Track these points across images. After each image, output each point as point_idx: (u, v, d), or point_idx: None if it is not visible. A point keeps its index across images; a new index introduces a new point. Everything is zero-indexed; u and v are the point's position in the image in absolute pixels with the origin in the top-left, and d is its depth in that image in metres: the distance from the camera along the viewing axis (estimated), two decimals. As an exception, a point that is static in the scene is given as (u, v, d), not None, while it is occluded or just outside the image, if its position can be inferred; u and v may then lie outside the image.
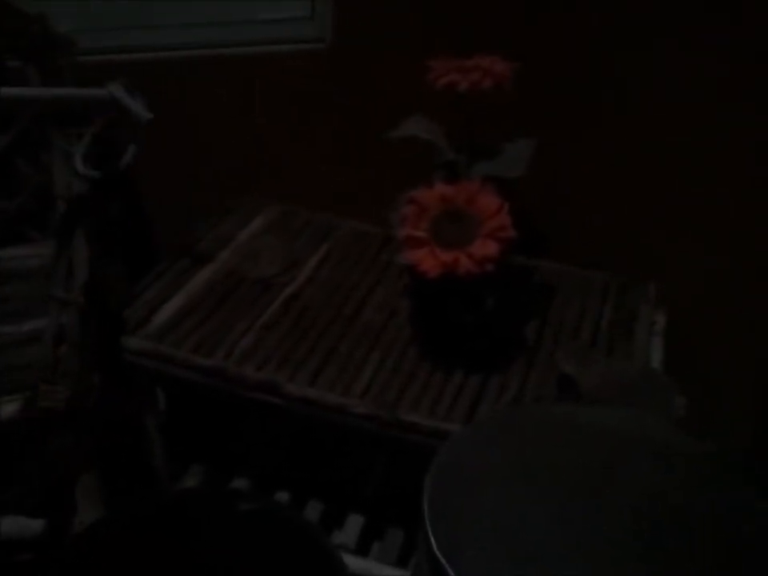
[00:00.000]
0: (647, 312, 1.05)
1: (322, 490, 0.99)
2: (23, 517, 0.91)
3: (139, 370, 0.95)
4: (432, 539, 0.61)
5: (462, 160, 0.92)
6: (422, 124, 0.94)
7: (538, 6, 1.07)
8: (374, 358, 0.95)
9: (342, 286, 1.07)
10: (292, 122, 1.19)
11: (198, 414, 1.03)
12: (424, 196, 0.87)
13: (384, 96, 1.13)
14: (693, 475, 0.69)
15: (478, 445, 0.71)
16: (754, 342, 1.12)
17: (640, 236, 1.14)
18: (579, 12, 1.07)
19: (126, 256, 1.04)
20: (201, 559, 0.77)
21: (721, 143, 1.07)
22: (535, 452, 0.71)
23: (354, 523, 0.97)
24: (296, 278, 1.07)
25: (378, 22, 1.11)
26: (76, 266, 0.90)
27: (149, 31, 1.18)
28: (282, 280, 1.06)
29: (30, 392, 0.87)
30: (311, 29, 1.16)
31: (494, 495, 0.66)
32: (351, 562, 0.89)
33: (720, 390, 1.14)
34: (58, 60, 1.04)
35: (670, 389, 0.87)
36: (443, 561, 0.59)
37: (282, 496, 0.99)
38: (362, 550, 0.96)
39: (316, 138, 1.20)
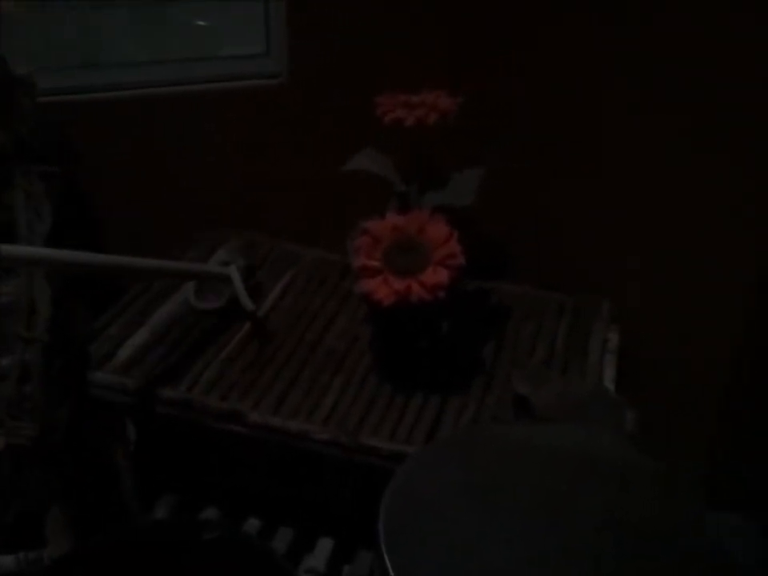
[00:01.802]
0: (601, 330, 1.07)
1: (292, 516, 1.01)
2: (-7, 553, 0.92)
3: (106, 403, 0.96)
4: (387, 560, 0.63)
5: (413, 191, 0.94)
6: (372, 158, 0.97)
7: (484, 43, 1.10)
8: (336, 383, 0.97)
9: (305, 313, 1.09)
10: (252, 154, 1.22)
11: (167, 445, 1.04)
12: (377, 227, 0.89)
13: (337, 129, 1.16)
14: (645, 492, 0.72)
15: (434, 466, 0.74)
16: (706, 358, 1.15)
17: (593, 257, 1.17)
18: (531, 47, 1.11)
19: (88, 291, 1.05)
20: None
21: (670, 169, 1.10)
22: (490, 472, 0.73)
23: (324, 547, 0.99)
24: (259, 306, 1.09)
25: (331, 59, 1.14)
26: (38, 303, 0.92)
27: (109, 70, 1.20)
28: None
29: (-2, 429, 0.88)
30: (267, 65, 1.19)
31: (450, 515, 0.68)
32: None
33: (673, 405, 1.17)
34: (18, 100, 1.06)
35: (621, 406, 0.90)
36: (398, 581, 0.61)
37: (253, 523, 1.00)
38: (332, 573, 0.97)
39: (276, 170, 1.22)
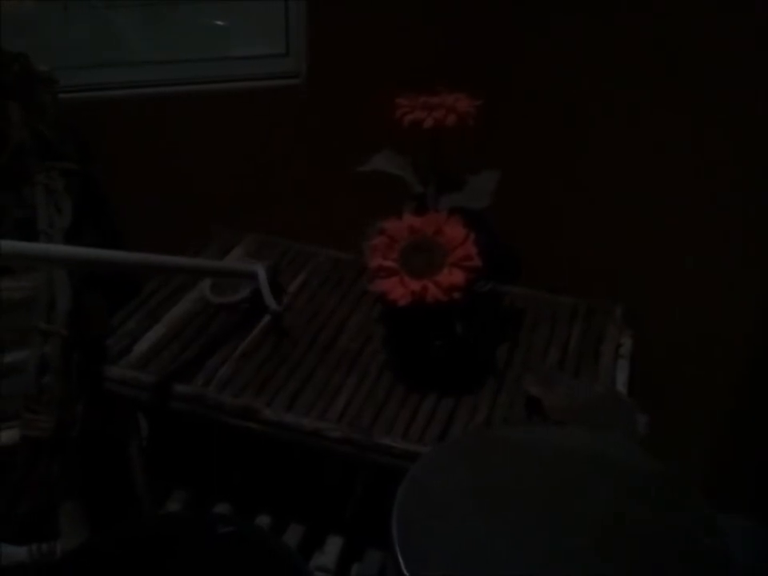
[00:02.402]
0: (613, 335, 1.08)
1: (303, 513, 1.02)
2: (7, 543, 0.92)
3: (121, 398, 0.98)
4: (400, 558, 0.64)
5: (430, 192, 0.95)
6: (390, 158, 0.98)
7: (506, 47, 1.11)
8: (349, 382, 0.98)
9: (320, 313, 1.10)
10: (269, 154, 1.23)
11: (180, 441, 1.05)
12: (393, 227, 0.90)
13: (356, 129, 1.16)
14: (654, 495, 0.72)
15: (446, 466, 0.74)
16: (718, 363, 1.15)
17: (607, 261, 1.17)
18: (546, 51, 1.11)
19: (106, 286, 1.06)
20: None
21: (684, 169, 1.10)
22: (501, 473, 0.74)
23: (334, 545, 1.00)
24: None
25: (350, 59, 1.15)
26: (58, 297, 0.92)
27: (128, 68, 1.21)
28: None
29: (14, 422, 0.89)
30: (286, 65, 1.20)
31: (462, 515, 0.69)
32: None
33: (684, 410, 1.17)
34: (39, 97, 1.07)
35: (632, 409, 0.90)
36: (411, 579, 0.62)
37: (263, 519, 1.01)
38: (341, 571, 0.98)
39: (292, 170, 1.23)
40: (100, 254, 0.85)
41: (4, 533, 0.93)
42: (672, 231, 1.13)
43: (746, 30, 0.99)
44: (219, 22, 1.32)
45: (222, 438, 1.00)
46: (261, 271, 1.07)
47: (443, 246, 0.87)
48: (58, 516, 0.94)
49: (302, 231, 1.23)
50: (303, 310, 1.10)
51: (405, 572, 0.63)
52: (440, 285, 0.85)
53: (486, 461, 0.76)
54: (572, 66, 1.10)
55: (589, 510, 0.70)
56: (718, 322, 1.13)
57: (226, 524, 0.83)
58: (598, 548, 0.66)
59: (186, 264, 1.01)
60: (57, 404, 0.90)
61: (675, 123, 1.07)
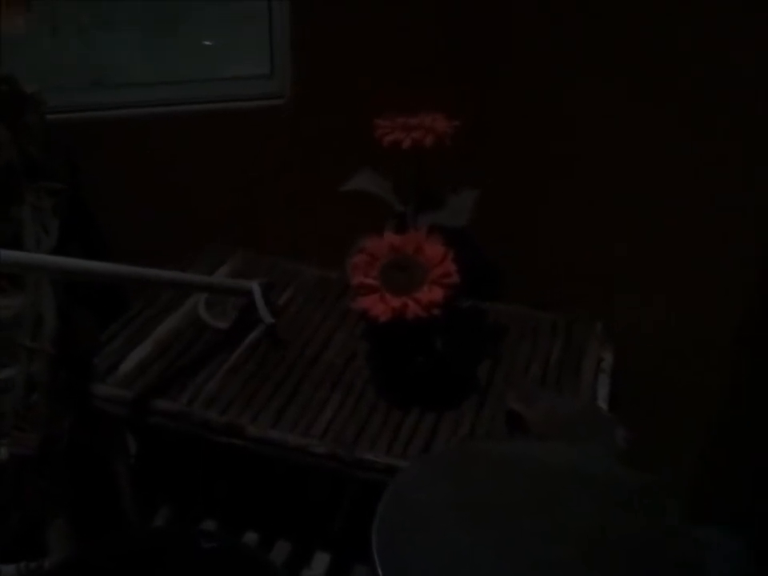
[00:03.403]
0: (594, 350, 1.09)
1: (290, 529, 1.02)
2: (-5, 561, 0.93)
3: (108, 415, 0.98)
4: (380, 571, 0.65)
5: (410, 211, 0.97)
6: (370, 178, 0.99)
7: (483, 67, 1.13)
8: (334, 398, 0.99)
9: (305, 329, 1.11)
10: (254, 173, 1.24)
11: (167, 457, 1.06)
12: (374, 245, 0.91)
13: (337, 149, 1.18)
14: (633, 507, 0.73)
15: (427, 479, 0.75)
16: (697, 376, 1.17)
17: (587, 277, 1.19)
18: (524, 62, 1.13)
19: (94, 304, 1.07)
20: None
21: (664, 189, 1.12)
22: (482, 486, 0.75)
23: (321, 561, 1.00)
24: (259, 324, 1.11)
25: (333, 81, 1.17)
26: (45, 315, 0.93)
27: (115, 90, 1.23)
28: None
29: (2, 439, 0.89)
30: (271, 86, 1.22)
31: (443, 527, 0.70)
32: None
33: (665, 423, 1.18)
34: (27, 118, 1.08)
35: (612, 424, 0.91)
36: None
37: (251, 536, 1.02)
38: (328, 586, 0.99)
39: (277, 189, 1.24)
40: (98, 266, 0.86)
41: (-8, 550, 0.94)
42: (652, 248, 1.15)
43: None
44: (208, 42, 1.34)
45: (208, 455, 1.01)
46: (256, 287, 1.09)
47: (423, 264, 0.89)
48: (46, 532, 0.94)
49: (288, 249, 1.25)
50: (288, 327, 1.11)
51: (384, 584, 0.64)
52: (420, 302, 0.87)
53: (468, 474, 0.77)
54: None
55: (569, 522, 0.71)
56: (699, 335, 1.14)
57: (211, 539, 0.84)
58: (577, 559, 0.67)
59: (183, 279, 1.02)
60: (44, 421, 0.91)
61: (664, 148, 1.09)
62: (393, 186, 0.98)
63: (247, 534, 1.02)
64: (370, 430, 0.95)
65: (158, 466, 1.07)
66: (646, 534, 0.70)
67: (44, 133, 1.10)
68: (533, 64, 1.12)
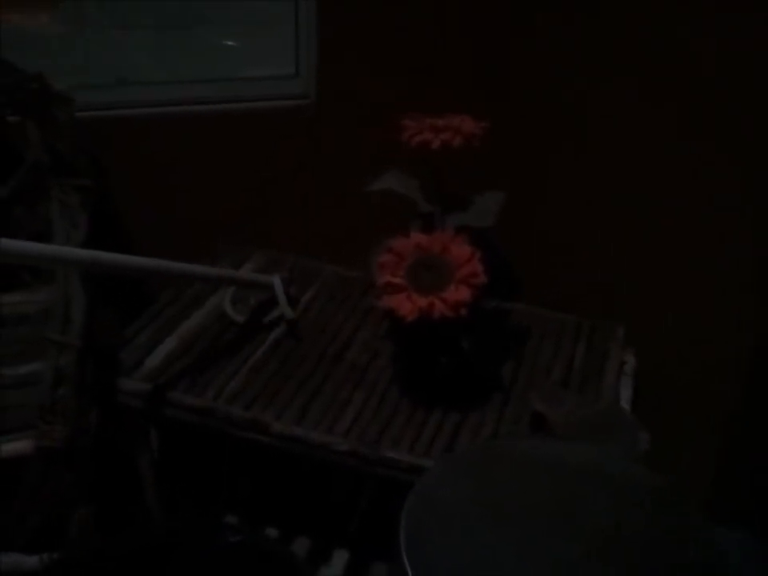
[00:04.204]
0: (617, 353, 1.09)
1: (309, 526, 1.03)
2: (18, 553, 0.94)
3: (133, 410, 0.99)
4: (408, 568, 0.65)
5: (436, 211, 0.97)
6: (397, 178, 1.00)
7: (505, 71, 1.13)
8: (357, 397, 1.00)
9: (327, 327, 1.12)
10: (278, 172, 1.25)
11: (190, 453, 1.06)
12: (401, 245, 0.92)
13: (363, 149, 1.19)
14: (654, 509, 0.73)
15: (452, 478, 0.76)
16: (719, 380, 1.17)
17: (611, 280, 1.19)
18: (541, 68, 1.13)
19: (118, 300, 1.08)
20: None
21: (685, 190, 1.12)
22: (505, 486, 0.75)
23: (340, 558, 1.01)
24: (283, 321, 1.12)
25: (359, 81, 1.17)
26: (73, 310, 0.94)
27: (142, 88, 1.24)
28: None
29: (29, 432, 0.90)
30: (296, 86, 1.23)
31: (467, 525, 0.70)
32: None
33: (687, 426, 1.18)
34: (56, 116, 1.09)
35: (634, 426, 0.91)
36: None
37: (271, 532, 1.02)
38: (348, 584, 0.99)
39: (301, 188, 1.25)
40: (125, 259, 0.87)
41: (16, 541, 0.94)
42: (675, 251, 1.15)
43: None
44: (230, 42, 1.35)
45: (230, 451, 1.01)
46: (277, 281, 1.10)
47: (450, 264, 0.89)
48: (69, 526, 0.95)
49: (310, 248, 1.25)
50: (312, 325, 1.12)
51: (412, 578, 0.64)
52: (447, 301, 0.87)
53: (491, 474, 0.77)
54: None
55: (590, 523, 0.71)
56: (720, 338, 1.15)
57: (235, 533, 0.84)
58: (598, 559, 0.68)
59: (205, 273, 1.03)
60: (71, 415, 0.91)
61: (685, 148, 1.09)
62: (420, 187, 0.99)
63: (267, 530, 1.03)
64: (393, 428, 0.95)
65: (180, 462, 1.08)
66: (667, 535, 0.71)
67: (72, 130, 1.11)
68: (544, 67, 1.13)
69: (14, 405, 0.92)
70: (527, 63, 1.13)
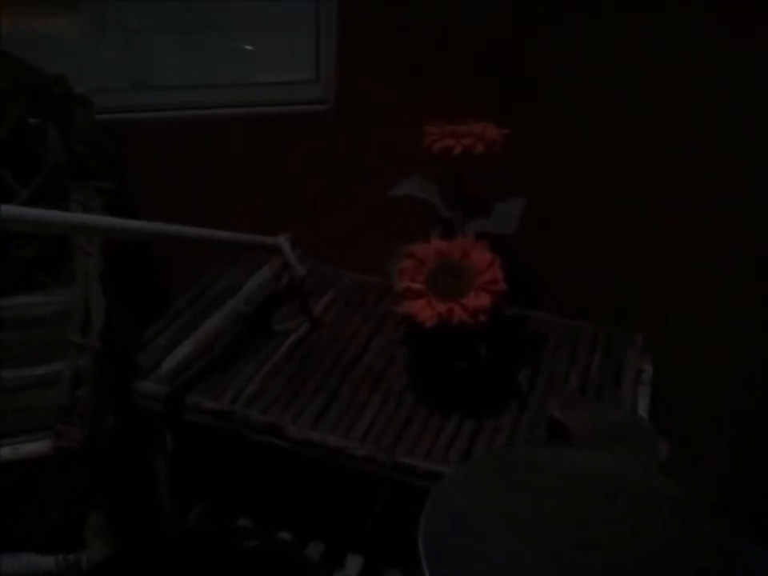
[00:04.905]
0: (634, 361, 1.09)
1: (324, 530, 1.03)
2: (33, 553, 0.94)
3: (150, 412, 1.00)
4: (427, 573, 0.65)
5: (457, 217, 0.97)
6: (418, 184, 1.00)
7: (522, 78, 1.14)
8: (373, 402, 1.00)
9: (344, 332, 1.12)
10: (295, 176, 1.25)
11: (204, 455, 1.06)
12: (421, 250, 0.92)
13: (382, 155, 1.19)
14: (672, 518, 0.73)
15: (470, 484, 0.76)
16: (738, 389, 1.16)
17: (628, 288, 1.19)
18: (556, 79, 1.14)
19: (136, 302, 1.08)
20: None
21: (703, 199, 1.12)
22: (523, 493, 0.75)
23: (354, 563, 1.01)
24: (301, 325, 1.12)
25: (379, 87, 1.17)
26: (93, 311, 0.95)
27: (161, 91, 1.24)
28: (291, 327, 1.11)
29: (46, 432, 0.91)
30: (315, 91, 1.23)
31: (485, 533, 0.70)
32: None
33: (705, 435, 1.18)
34: (77, 118, 1.10)
35: (653, 434, 0.91)
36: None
37: (285, 536, 1.02)
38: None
39: (319, 193, 1.25)
40: (135, 225, 0.87)
41: (32, 542, 0.95)
42: (693, 261, 1.15)
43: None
44: (251, 47, 1.35)
45: (245, 454, 1.01)
46: (284, 243, 1.10)
47: (470, 270, 0.89)
48: (84, 526, 0.96)
49: (327, 253, 1.26)
50: (328, 329, 1.12)
51: (431, 584, 0.64)
52: (466, 307, 0.87)
53: (509, 480, 0.77)
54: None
55: (607, 530, 0.71)
56: (738, 347, 1.14)
57: (251, 536, 0.84)
58: (614, 567, 0.68)
59: (214, 236, 1.01)
60: (89, 416, 0.92)
61: (701, 159, 1.09)
62: (440, 193, 0.99)
63: (281, 534, 1.03)
64: (410, 434, 0.95)
65: (194, 464, 1.08)
66: (685, 543, 0.71)
67: (91, 133, 1.11)
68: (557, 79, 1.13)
69: (33, 405, 0.93)
70: (543, 66, 1.13)
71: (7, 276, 1.10)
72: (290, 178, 1.25)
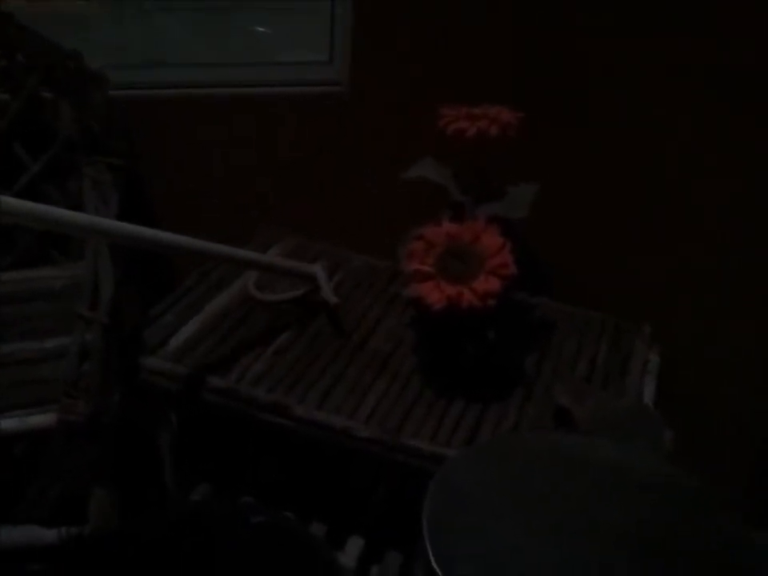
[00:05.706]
0: (641, 351, 1.09)
1: (325, 512, 1.03)
2: (37, 526, 0.94)
3: (156, 388, 0.99)
4: (430, 552, 0.66)
5: (469, 201, 0.97)
6: (431, 167, 1.00)
7: (537, 61, 1.13)
8: (379, 384, 1.00)
9: (352, 314, 1.11)
10: (308, 157, 1.25)
11: (207, 434, 1.07)
12: (431, 233, 0.92)
13: (395, 137, 1.19)
14: (676, 504, 0.73)
15: (475, 468, 0.76)
16: (743, 380, 1.16)
17: (637, 278, 1.19)
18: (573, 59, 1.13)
19: (145, 279, 1.08)
20: (212, 571, 0.81)
21: (713, 187, 1.12)
22: (527, 477, 0.75)
23: (355, 545, 1.01)
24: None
25: (393, 69, 1.17)
26: (102, 286, 0.95)
27: (177, 69, 1.24)
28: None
29: (52, 405, 0.91)
30: (329, 72, 1.23)
31: (489, 516, 0.70)
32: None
33: (711, 425, 1.18)
34: (90, 94, 1.10)
35: (659, 423, 0.91)
36: (440, 573, 0.63)
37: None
38: (361, 572, 0.99)
39: (331, 174, 1.25)
40: (160, 235, 0.87)
41: (36, 515, 0.95)
42: (701, 251, 1.14)
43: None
44: (266, 29, 1.35)
45: (250, 434, 1.01)
46: (320, 271, 1.11)
47: (480, 254, 0.89)
48: (89, 501, 0.96)
49: (336, 235, 1.25)
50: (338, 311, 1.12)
51: (434, 565, 0.64)
52: (476, 291, 0.87)
53: (513, 465, 0.77)
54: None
55: (613, 518, 0.71)
56: (745, 337, 1.14)
57: (257, 513, 0.84)
58: (621, 554, 0.68)
59: (245, 257, 1.03)
60: (95, 390, 0.92)
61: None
62: (453, 176, 0.98)
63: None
64: (415, 417, 0.95)
65: (198, 443, 1.08)
66: (692, 536, 0.70)
67: (106, 109, 1.11)
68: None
69: (43, 378, 0.93)
70: (560, 49, 1.13)
71: (18, 250, 1.10)
72: (302, 159, 1.25)
